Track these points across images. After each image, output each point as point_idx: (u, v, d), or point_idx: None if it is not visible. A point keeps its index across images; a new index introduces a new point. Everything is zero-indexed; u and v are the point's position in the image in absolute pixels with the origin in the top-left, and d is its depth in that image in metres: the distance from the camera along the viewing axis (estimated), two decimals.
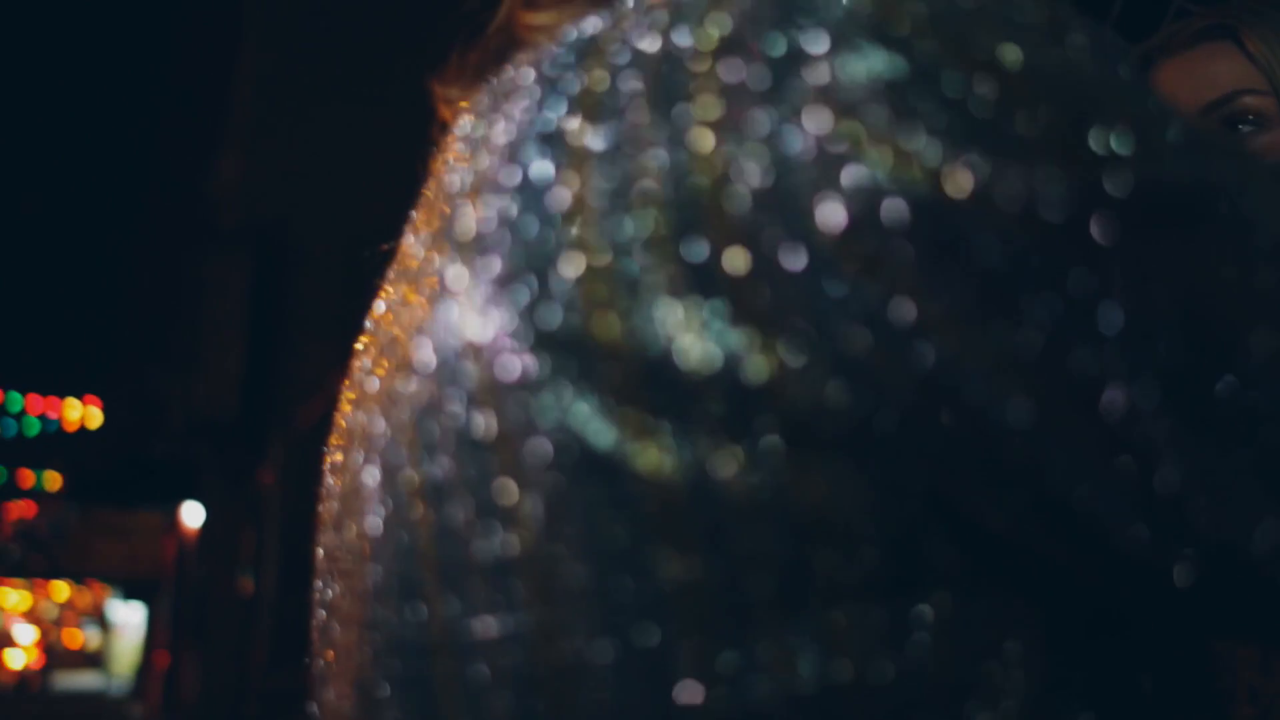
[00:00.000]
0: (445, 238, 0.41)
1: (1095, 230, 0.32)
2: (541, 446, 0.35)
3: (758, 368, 0.33)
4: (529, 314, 0.36)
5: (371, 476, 0.41)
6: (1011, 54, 0.34)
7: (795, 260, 0.33)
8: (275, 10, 8.62)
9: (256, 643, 7.55)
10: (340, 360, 0.63)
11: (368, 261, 0.59)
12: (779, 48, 0.35)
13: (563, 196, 0.37)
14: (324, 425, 0.53)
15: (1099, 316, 0.32)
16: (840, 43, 0.34)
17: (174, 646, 10.76)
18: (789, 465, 0.33)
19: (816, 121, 0.34)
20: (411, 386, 0.40)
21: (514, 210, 0.38)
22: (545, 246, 0.37)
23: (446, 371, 0.38)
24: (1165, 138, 0.34)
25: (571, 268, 0.36)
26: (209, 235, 9.07)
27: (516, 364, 0.36)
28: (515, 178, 0.38)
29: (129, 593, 16.98)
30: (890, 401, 0.33)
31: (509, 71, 0.44)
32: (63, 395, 17.18)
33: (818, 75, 0.34)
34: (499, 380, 0.36)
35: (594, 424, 0.34)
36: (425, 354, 0.39)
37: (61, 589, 19.68)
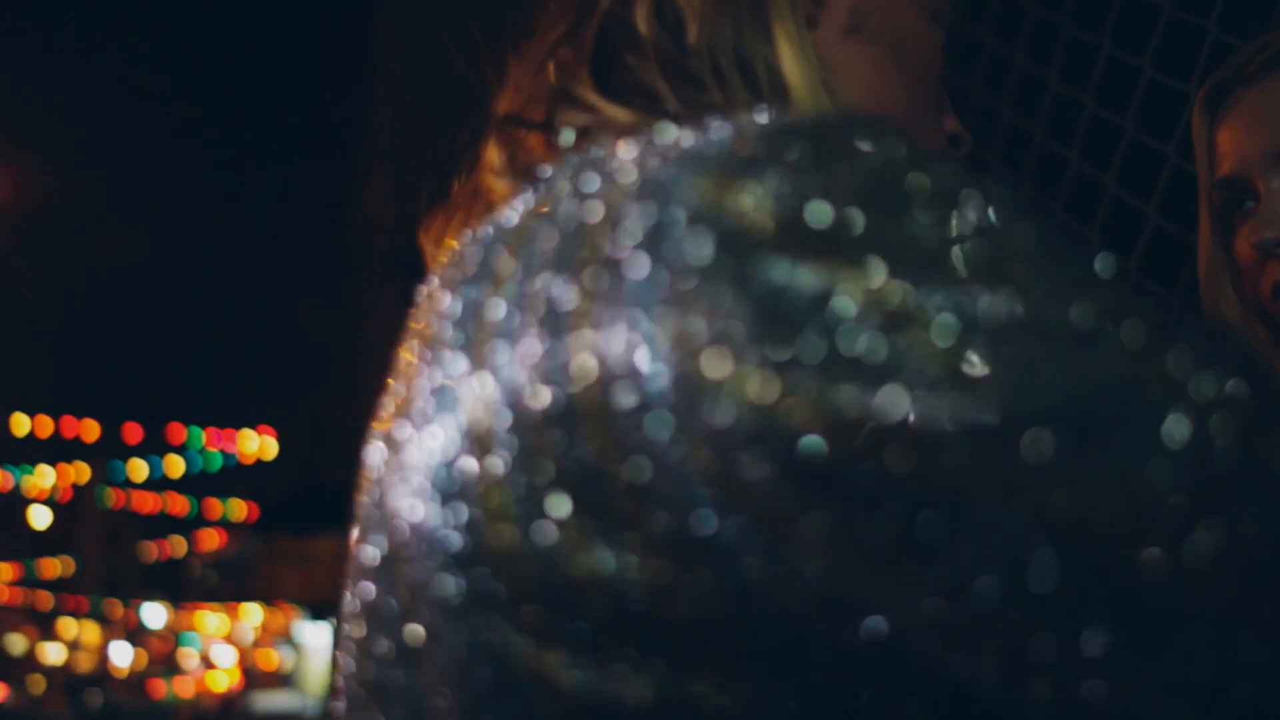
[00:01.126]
0: (395, 422, 0.43)
1: (953, 449, 0.32)
2: (460, 658, 0.37)
3: (640, 583, 0.34)
4: (441, 524, 0.38)
5: (354, 637, 0.43)
6: (876, 277, 0.34)
7: (666, 483, 0.34)
8: (407, 29, 8.70)
9: None
10: None
11: None
12: (643, 268, 0.36)
13: (471, 410, 0.38)
14: None
15: (967, 531, 0.32)
16: (707, 276, 0.35)
17: None
18: (675, 677, 0.34)
19: (683, 351, 0.34)
20: (361, 581, 0.43)
21: (431, 417, 0.40)
22: (453, 460, 0.38)
23: (387, 575, 0.41)
24: (1042, 350, 0.33)
25: (476, 481, 0.37)
26: (361, 263, 9.23)
27: (436, 580, 0.38)
28: (437, 380, 0.41)
29: (315, 614, 17.58)
30: (771, 616, 0.34)
31: (456, 252, 0.45)
32: (238, 427, 17.93)
33: (684, 306, 0.35)
34: (423, 593, 0.39)
35: (505, 636, 0.36)
36: (371, 551, 0.43)
37: (254, 612, 20.58)
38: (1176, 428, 0.33)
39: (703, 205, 0.36)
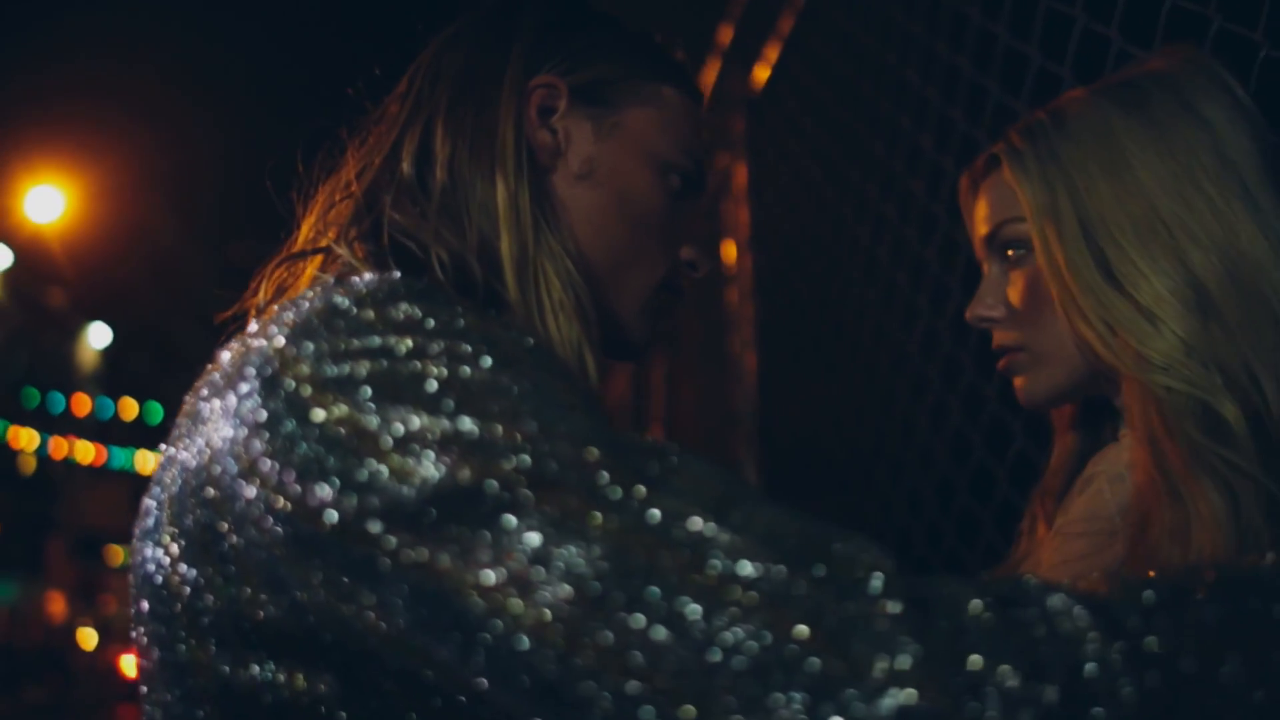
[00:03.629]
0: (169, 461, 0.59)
1: (387, 530, 0.45)
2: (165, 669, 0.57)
3: (218, 594, 0.51)
4: (148, 559, 0.58)
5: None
6: (363, 413, 0.47)
7: (245, 539, 0.50)
8: None
9: None
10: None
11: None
12: (233, 402, 0.51)
13: (167, 482, 0.57)
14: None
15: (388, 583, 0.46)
16: (261, 411, 0.49)
17: None
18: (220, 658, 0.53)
19: (243, 456, 0.49)
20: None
21: (157, 481, 0.60)
22: (157, 509, 0.58)
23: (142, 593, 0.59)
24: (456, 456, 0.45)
25: (158, 525, 0.57)
26: None
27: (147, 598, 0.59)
28: (168, 452, 0.60)
29: None
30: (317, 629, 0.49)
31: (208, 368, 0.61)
32: None
33: (248, 429, 0.49)
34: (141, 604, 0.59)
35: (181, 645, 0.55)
36: (145, 504, 0.61)
37: None
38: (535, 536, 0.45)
39: (273, 360, 0.49)
